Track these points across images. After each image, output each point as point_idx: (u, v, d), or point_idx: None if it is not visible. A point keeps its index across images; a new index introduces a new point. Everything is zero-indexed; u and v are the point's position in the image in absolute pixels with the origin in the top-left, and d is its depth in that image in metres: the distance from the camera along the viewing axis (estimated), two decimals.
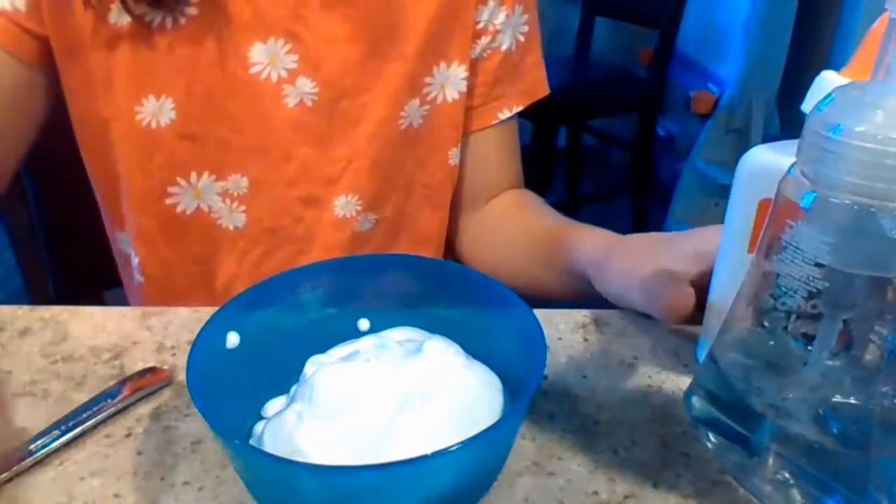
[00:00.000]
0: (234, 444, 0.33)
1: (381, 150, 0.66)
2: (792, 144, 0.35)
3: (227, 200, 0.65)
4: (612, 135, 2.61)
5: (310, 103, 0.63)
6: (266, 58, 0.62)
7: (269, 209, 0.66)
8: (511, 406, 0.38)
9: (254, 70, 0.62)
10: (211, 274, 0.68)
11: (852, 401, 0.36)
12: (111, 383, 0.46)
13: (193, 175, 0.64)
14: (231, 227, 0.66)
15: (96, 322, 0.53)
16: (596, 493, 0.39)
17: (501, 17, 0.68)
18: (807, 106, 0.36)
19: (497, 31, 0.68)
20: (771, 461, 0.37)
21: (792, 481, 0.36)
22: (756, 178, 0.41)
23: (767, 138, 0.51)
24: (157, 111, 0.63)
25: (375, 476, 0.32)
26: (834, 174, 0.32)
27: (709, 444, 0.41)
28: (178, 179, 0.64)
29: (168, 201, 0.64)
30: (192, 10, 0.60)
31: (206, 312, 0.40)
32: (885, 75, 0.31)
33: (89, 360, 0.49)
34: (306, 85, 0.63)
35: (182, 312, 0.54)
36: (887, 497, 0.34)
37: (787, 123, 2.23)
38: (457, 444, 0.31)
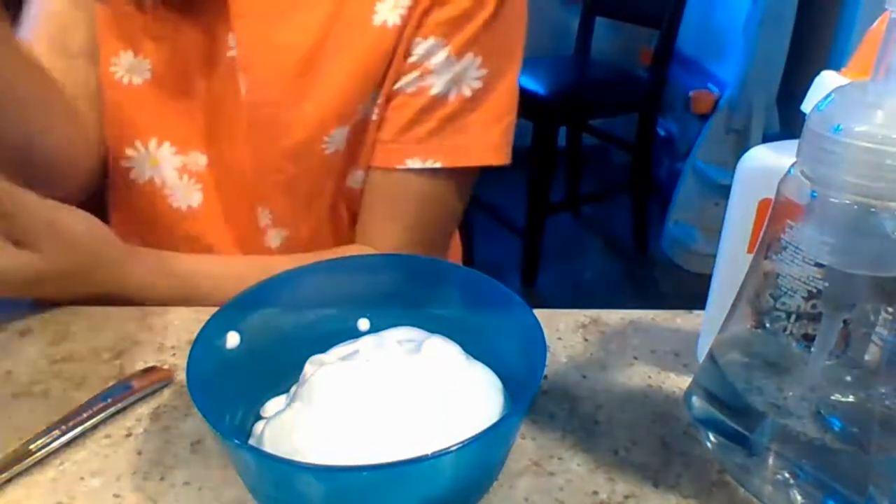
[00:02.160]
0: (235, 443, 0.33)
1: (299, 170, 0.63)
2: (792, 144, 0.35)
3: (185, 177, 0.64)
4: (612, 135, 2.61)
5: (244, 100, 0.63)
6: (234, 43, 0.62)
7: (220, 194, 0.66)
8: (511, 406, 0.38)
9: (231, 54, 0.62)
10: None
11: (852, 400, 0.36)
12: (111, 383, 0.46)
13: (153, 142, 0.64)
14: (184, 207, 0.65)
15: (96, 322, 0.53)
16: (596, 493, 0.39)
17: (440, 57, 0.61)
18: (807, 106, 0.36)
19: (429, 72, 0.61)
20: (771, 461, 0.37)
21: (792, 481, 0.36)
22: (756, 178, 0.41)
23: (767, 138, 0.51)
24: (132, 68, 0.63)
25: (375, 476, 0.32)
26: (834, 174, 0.32)
27: (709, 444, 0.41)
28: (137, 143, 0.64)
29: (123, 164, 0.64)
30: None
31: (207, 312, 0.40)
32: (885, 75, 0.31)
33: (89, 360, 0.49)
34: (242, 81, 0.62)
35: (182, 312, 0.54)
36: (887, 497, 0.34)
37: (787, 123, 2.24)
38: (457, 444, 0.31)
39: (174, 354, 0.49)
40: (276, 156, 0.63)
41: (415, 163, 0.62)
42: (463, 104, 0.62)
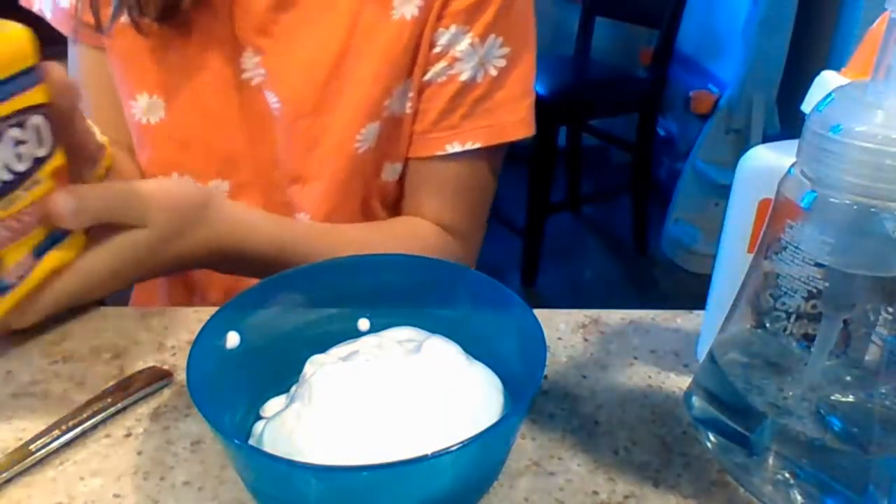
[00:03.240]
0: (235, 443, 0.33)
1: (334, 172, 0.65)
2: (792, 144, 0.35)
3: None
4: (612, 135, 2.61)
5: (277, 115, 0.64)
6: (252, 65, 0.63)
7: None
8: (511, 406, 0.38)
9: (245, 76, 0.63)
10: (185, 275, 0.69)
11: (852, 400, 0.36)
12: (111, 383, 0.46)
13: (175, 176, 0.65)
14: None
15: (96, 322, 0.53)
16: (596, 493, 0.39)
17: (464, 44, 0.63)
18: (807, 106, 0.36)
19: (456, 59, 0.63)
20: (771, 461, 0.37)
21: (792, 481, 0.36)
22: (756, 178, 0.41)
23: (767, 138, 0.51)
24: (149, 108, 0.63)
25: (375, 476, 0.32)
26: (834, 174, 0.32)
27: (709, 444, 0.41)
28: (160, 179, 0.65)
29: None
30: (192, 16, 0.61)
31: (206, 312, 0.40)
32: (885, 75, 0.31)
33: (89, 360, 0.49)
34: (272, 98, 0.63)
35: (182, 312, 0.54)
36: (887, 497, 0.34)
37: (787, 123, 2.24)
38: (457, 444, 0.31)
39: (174, 354, 0.49)
40: (312, 162, 0.64)
41: (454, 147, 0.65)
42: (490, 84, 0.65)
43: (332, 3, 0.62)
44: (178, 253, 0.52)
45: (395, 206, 0.71)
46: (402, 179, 0.69)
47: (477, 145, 0.65)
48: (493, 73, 0.64)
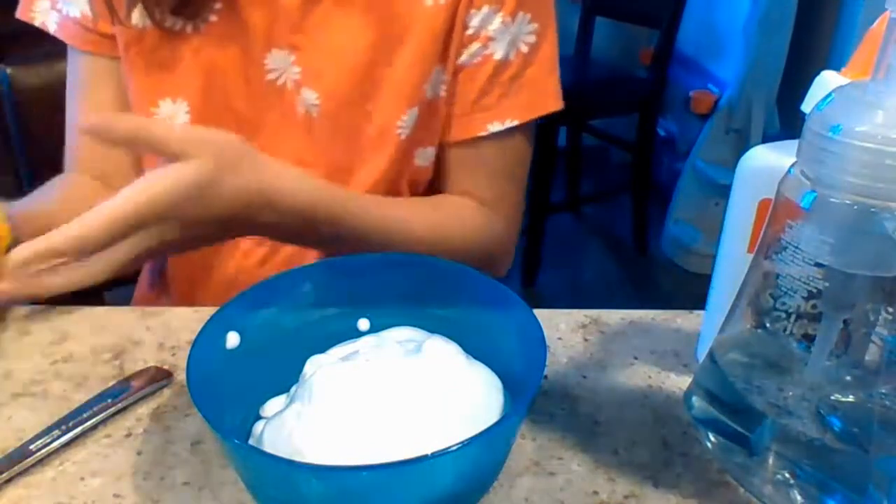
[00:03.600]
0: (234, 444, 0.33)
1: (381, 159, 0.65)
2: (792, 144, 0.35)
3: None
4: (612, 135, 2.60)
5: (315, 113, 0.64)
6: (281, 64, 0.62)
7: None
8: (511, 406, 0.38)
9: (270, 77, 0.63)
10: (212, 269, 0.68)
11: (852, 400, 0.36)
12: (111, 383, 0.46)
13: None
14: None
15: (96, 322, 0.53)
16: (596, 493, 0.39)
17: (496, 23, 0.64)
18: (807, 106, 0.36)
19: (490, 39, 0.64)
20: (771, 461, 0.37)
21: (792, 481, 0.36)
22: (756, 178, 0.41)
23: (767, 138, 0.51)
24: (173, 114, 0.63)
25: (375, 476, 0.32)
26: (834, 174, 0.32)
27: (709, 444, 0.41)
28: None
29: None
30: (213, 17, 0.61)
31: (206, 312, 0.40)
32: (885, 75, 0.31)
33: (89, 360, 0.49)
34: (311, 95, 0.63)
35: (182, 312, 0.54)
36: (887, 497, 0.34)
37: (787, 123, 2.24)
38: (457, 444, 0.31)
39: (174, 354, 0.49)
40: (355, 152, 0.65)
41: (494, 127, 0.67)
42: (522, 61, 0.66)
43: None
44: (234, 191, 0.49)
45: (424, 191, 0.72)
46: (434, 163, 0.70)
47: (515, 122, 0.67)
48: (525, 49, 0.66)
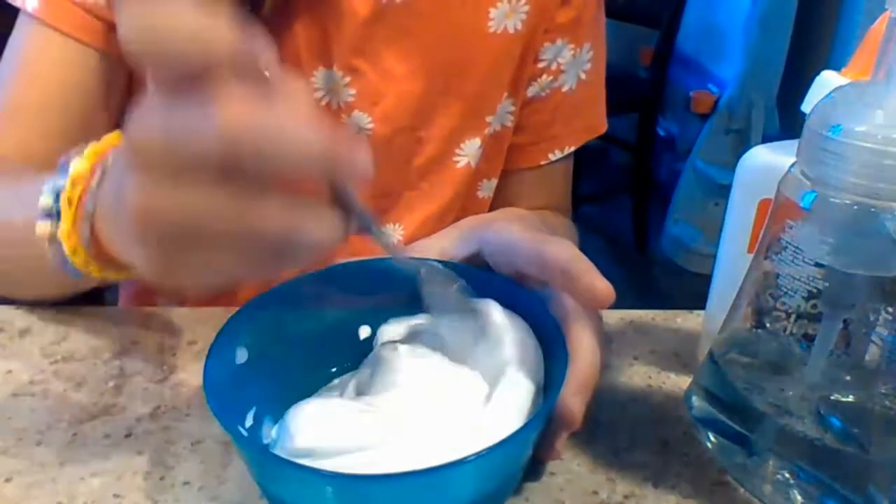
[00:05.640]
0: (261, 453, 0.32)
1: (432, 185, 0.65)
2: (792, 144, 0.35)
3: None
4: (612, 135, 2.60)
5: (364, 137, 0.62)
6: (327, 84, 0.61)
7: None
8: (542, 406, 0.37)
9: (315, 95, 0.61)
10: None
11: (852, 400, 0.36)
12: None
13: None
14: None
15: (96, 322, 0.53)
16: (596, 493, 0.39)
17: (567, 56, 0.65)
18: (807, 106, 0.36)
19: (561, 71, 0.65)
20: (771, 461, 0.37)
21: (792, 481, 0.36)
22: (756, 178, 0.41)
23: (767, 138, 0.51)
24: None
25: (394, 485, 0.30)
26: (834, 174, 0.32)
27: (709, 444, 0.41)
28: None
29: None
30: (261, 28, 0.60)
31: (206, 313, 0.40)
32: (885, 75, 0.31)
33: (89, 360, 0.49)
34: (362, 119, 0.62)
35: (182, 312, 0.54)
36: (887, 497, 0.34)
37: (787, 123, 2.24)
38: (473, 454, 0.30)
39: (174, 354, 0.49)
40: (411, 175, 0.64)
41: (555, 155, 0.69)
42: (582, 89, 0.67)
43: (419, 12, 0.59)
44: None
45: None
46: (496, 193, 0.70)
47: (572, 148, 0.69)
48: (584, 77, 0.67)
